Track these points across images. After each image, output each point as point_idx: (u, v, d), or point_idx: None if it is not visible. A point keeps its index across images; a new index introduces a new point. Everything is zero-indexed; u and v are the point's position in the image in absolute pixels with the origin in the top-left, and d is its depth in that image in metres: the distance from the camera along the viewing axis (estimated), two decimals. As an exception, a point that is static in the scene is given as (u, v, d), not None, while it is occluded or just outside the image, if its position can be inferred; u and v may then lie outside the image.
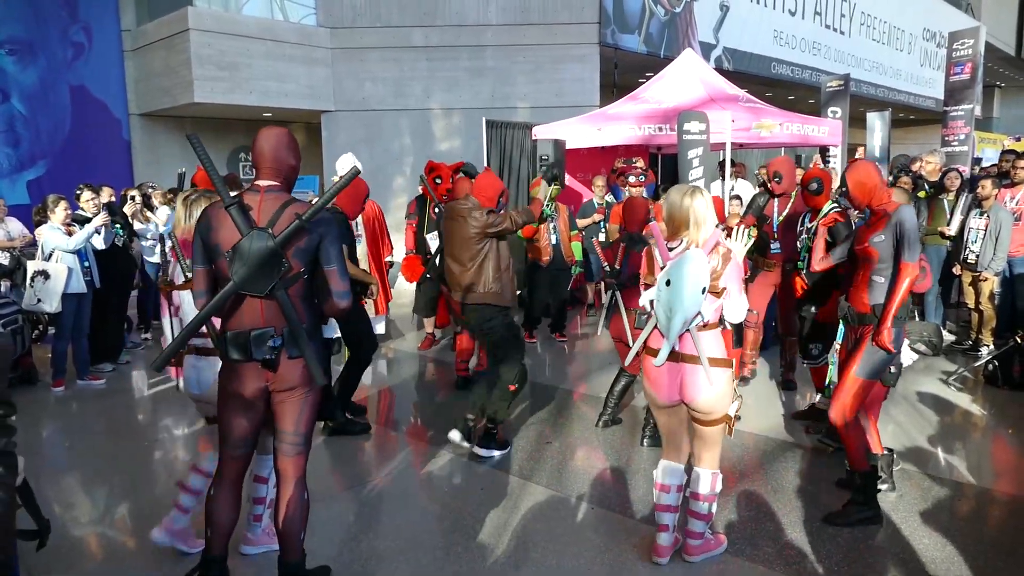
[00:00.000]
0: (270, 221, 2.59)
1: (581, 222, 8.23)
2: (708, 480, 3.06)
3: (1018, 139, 11.32)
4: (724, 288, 2.92)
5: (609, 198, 8.32)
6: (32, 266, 5.79)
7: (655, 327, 2.99)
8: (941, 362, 6.17)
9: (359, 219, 6.01)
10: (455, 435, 4.48)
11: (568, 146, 8.25)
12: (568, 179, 8.27)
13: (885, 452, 3.81)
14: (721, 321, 3.02)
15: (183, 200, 3.37)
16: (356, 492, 4.02)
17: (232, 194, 2.65)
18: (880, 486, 3.66)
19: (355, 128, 12.38)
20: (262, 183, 2.70)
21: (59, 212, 5.94)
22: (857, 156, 11.45)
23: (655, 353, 2.98)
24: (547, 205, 6.67)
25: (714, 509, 3.11)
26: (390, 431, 4.96)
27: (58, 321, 5.94)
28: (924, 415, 5.12)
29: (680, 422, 3.13)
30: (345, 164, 6.63)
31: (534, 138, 8.96)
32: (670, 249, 2.98)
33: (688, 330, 2.89)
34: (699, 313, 2.85)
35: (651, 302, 2.97)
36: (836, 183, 7.93)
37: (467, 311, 4.41)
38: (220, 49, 11.27)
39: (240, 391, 2.69)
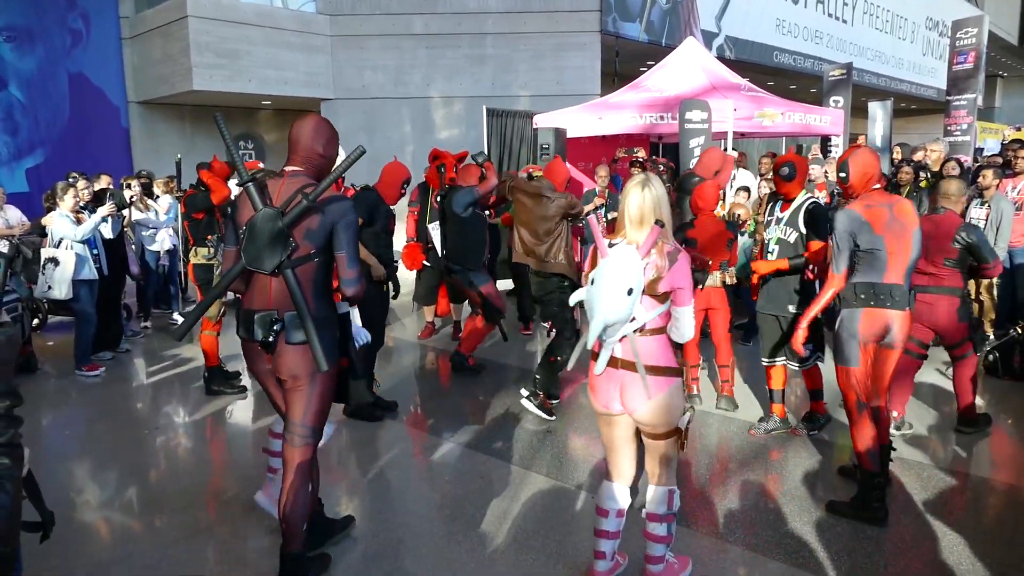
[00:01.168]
0: (284, 202, 2.63)
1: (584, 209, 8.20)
2: (663, 499, 2.75)
3: (1019, 128, 11.27)
4: (668, 292, 2.60)
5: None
6: (44, 253, 5.85)
7: None
8: (941, 352, 6.16)
9: None
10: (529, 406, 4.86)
11: (569, 135, 8.22)
12: (569, 168, 8.24)
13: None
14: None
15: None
16: (356, 481, 4.03)
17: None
18: None
19: (355, 116, 12.34)
20: (288, 168, 2.77)
21: (68, 200, 5.97)
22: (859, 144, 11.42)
23: (594, 359, 2.71)
24: None
25: (674, 530, 2.79)
26: (390, 420, 4.96)
27: (76, 308, 5.98)
28: (924, 405, 5.13)
29: (622, 437, 2.80)
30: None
31: (535, 127, 8.93)
32: (611, 245, 2.64)
33: (626, 335, 2.59)
34: (633, 317, 2.54)
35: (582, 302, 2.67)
36: (831, 172, 7.91)
37: (534, 280, 5.08)
38: (219, 36, 11.22)
39: (255, 369, 2.82)
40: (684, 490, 3.83)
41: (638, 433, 2.80)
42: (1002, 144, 10.50)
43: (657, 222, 2.56)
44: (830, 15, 18.33)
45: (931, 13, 22.94)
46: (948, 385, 5.53)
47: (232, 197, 5.33)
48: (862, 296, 3.45)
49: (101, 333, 6.60)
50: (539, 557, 3.16)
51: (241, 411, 5.23)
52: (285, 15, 12.12)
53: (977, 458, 4.25)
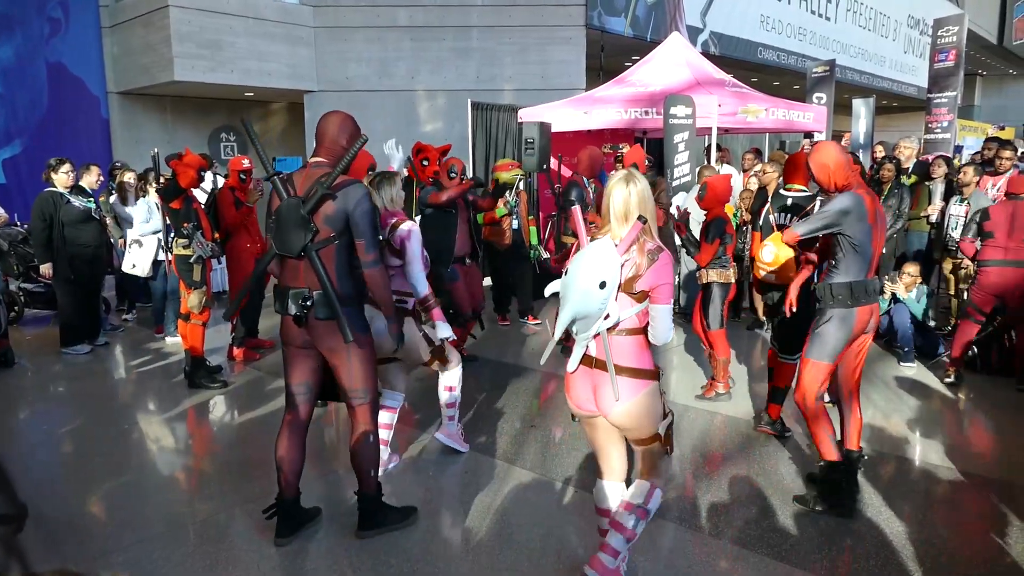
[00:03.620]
0: (307, 191, 2.92)
1: (567, 205, 8.24)
2: (644, 492, 2.66)
3: (1002, 128, 11.37)
4: (648, 292, 2.49)
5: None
6: (130, 234, 6.90)
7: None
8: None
9: None
10: None
11: (554, 129, 8.20)
12: (553, 163, 8.23)
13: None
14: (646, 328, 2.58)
15: (369, 182, 3.91)
16: (341, 475, 4.00)
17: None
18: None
19: (338, 108, 12.22)
20: (312, 159, 3.06)
21: (152, 192, 6.74)
22: (844, 143, 11.50)
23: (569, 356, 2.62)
24: (510, 195, 6.84)
25: (640, 529, 2.66)
26: (374, 414, 4.94)
27: (153, 286, 7.07)
28: (903, 400, 5.19)
29: (605, 437, 2.72)
30: None
31: (520, 121, 8.91)
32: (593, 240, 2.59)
33: (599, 332, 2.50)
34: (607, 315, 2.46)
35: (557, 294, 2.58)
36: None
37: None
38: (200, 26, 11.08)
39: (289, 341, 3.13)
40: (670, 485, 3.85)
41: None
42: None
43: (640, 218, 2.49)
44: (813, 12, 18.43)
45: (913, 11, 23.13)
46: (928, 380, 5.61)
47: (199, 180, 5.30)
48: (859, 296, 3.41)
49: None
50: (523, 551, 3.16)
51: (224, 405, 5.19)
52: (268, 6, 11.98)
53: (957, 452, 4.29)
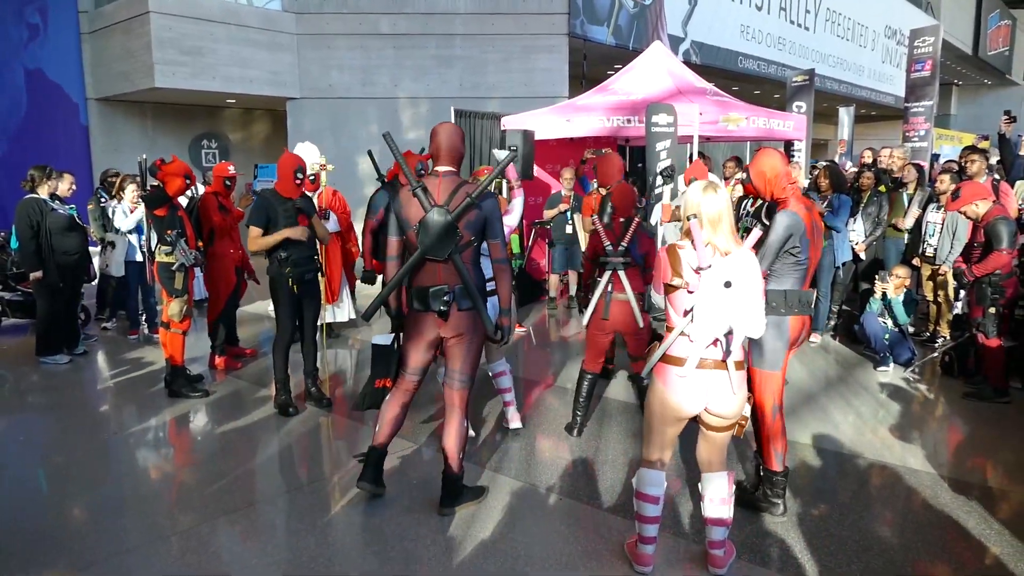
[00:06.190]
0: (446, 200, 3.27)
1: (548, 213, 8.28)
2: (725, 483, 2.95)
3: (986, 138, 11.46)
4: None
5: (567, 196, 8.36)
6: (108, 237, 7.35)
7: (681, 333, 2.77)
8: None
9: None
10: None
11: (537, 137, 8.24)
12: (536, 170, 8.26)
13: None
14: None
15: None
16: (322, 483, 3.98)
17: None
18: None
19: (321, 116, 12.23)
20: (440, 169, 3.38)
21: (128, 192, 7.14)
22: (839, 152, 11.64)
23: (678, 362, 2.77)
24: None
25: (731, 512, 2.98)
26: (356, 422, 4.92)
27: (125, 283, 7.41)
28: (882, 405, 5.24)
29: (678, 430, 2.95)
30: (306, 151, 6.49)
31: (503, 128, 8.93)
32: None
33: (718, 336, 2.72)
34: None
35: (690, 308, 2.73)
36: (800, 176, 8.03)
37: None
38: (182, 33, 11.03)
39: (418, 334, 3.46)
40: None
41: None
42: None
43: (759, 224, 2.82)
44: (793, 22, 18.66)
45: (890, 22, 23.49)
46: (906, 385, 5.67)
47: (186, 186, 5.26)
48: (792, 305, 3.41)
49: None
50: (507, 560, 3.16)
51: (205, 415, 5.14)
52: (250, 12, 11.95)
53: (932, 456, 4.34)
